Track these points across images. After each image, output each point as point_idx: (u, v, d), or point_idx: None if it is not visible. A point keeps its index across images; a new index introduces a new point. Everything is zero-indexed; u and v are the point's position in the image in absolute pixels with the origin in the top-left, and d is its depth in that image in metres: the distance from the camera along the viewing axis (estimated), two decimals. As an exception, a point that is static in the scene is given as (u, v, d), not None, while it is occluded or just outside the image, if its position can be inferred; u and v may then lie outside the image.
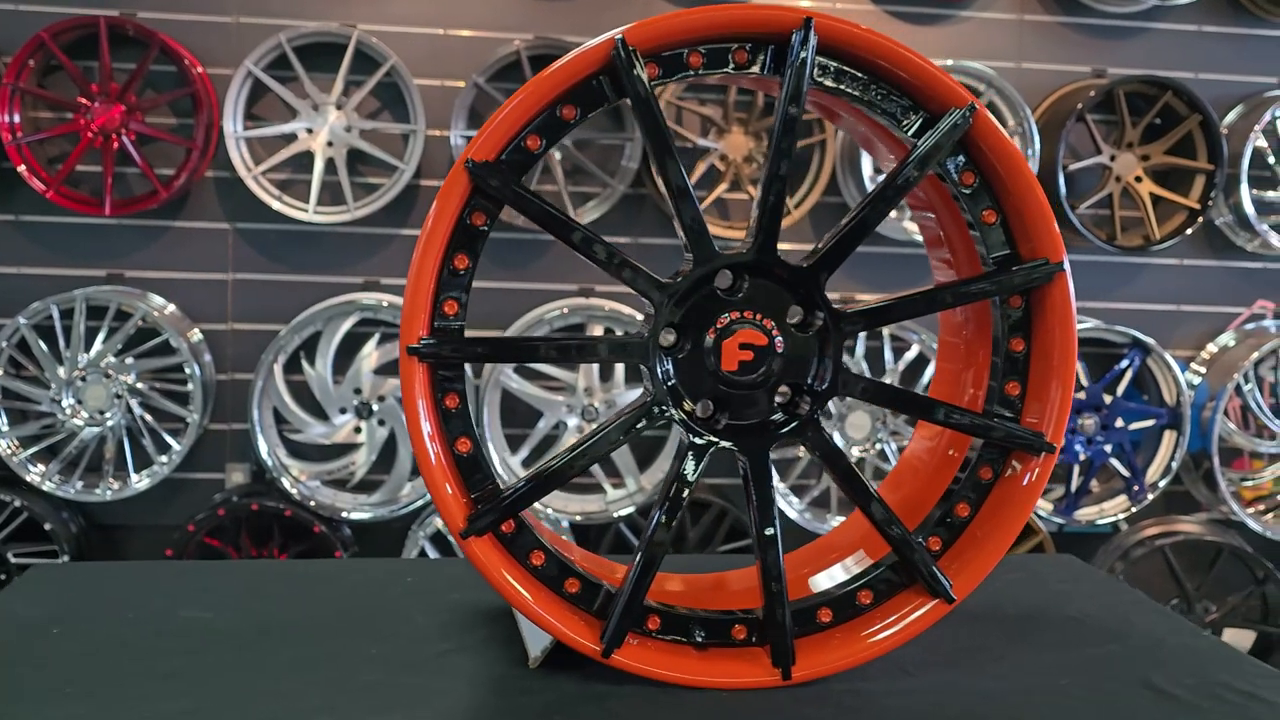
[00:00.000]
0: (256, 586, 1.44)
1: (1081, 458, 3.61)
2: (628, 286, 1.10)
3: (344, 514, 3.42)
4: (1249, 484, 3.74)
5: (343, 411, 3.45)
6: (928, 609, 1.14)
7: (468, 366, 1.17)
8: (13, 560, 3.29)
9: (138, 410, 3.36)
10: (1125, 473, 3.63)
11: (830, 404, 3.62)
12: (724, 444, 1.11)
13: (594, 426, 1.13)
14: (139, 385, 3.37)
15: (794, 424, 1.12)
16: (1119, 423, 3.60)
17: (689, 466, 1.11)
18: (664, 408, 1.10)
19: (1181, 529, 3.58)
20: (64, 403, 3.32)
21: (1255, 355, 3.57)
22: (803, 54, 1.07)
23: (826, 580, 1.18)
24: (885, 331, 3.53)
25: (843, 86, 1.11)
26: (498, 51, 3.39)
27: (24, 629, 1.24)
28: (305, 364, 3.45)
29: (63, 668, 1.13)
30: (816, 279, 1.11)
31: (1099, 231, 3.54)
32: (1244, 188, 3.57)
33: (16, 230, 3.43)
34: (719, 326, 1.10)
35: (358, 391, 3.44)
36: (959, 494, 1.16)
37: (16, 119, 3.27)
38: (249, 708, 1.05)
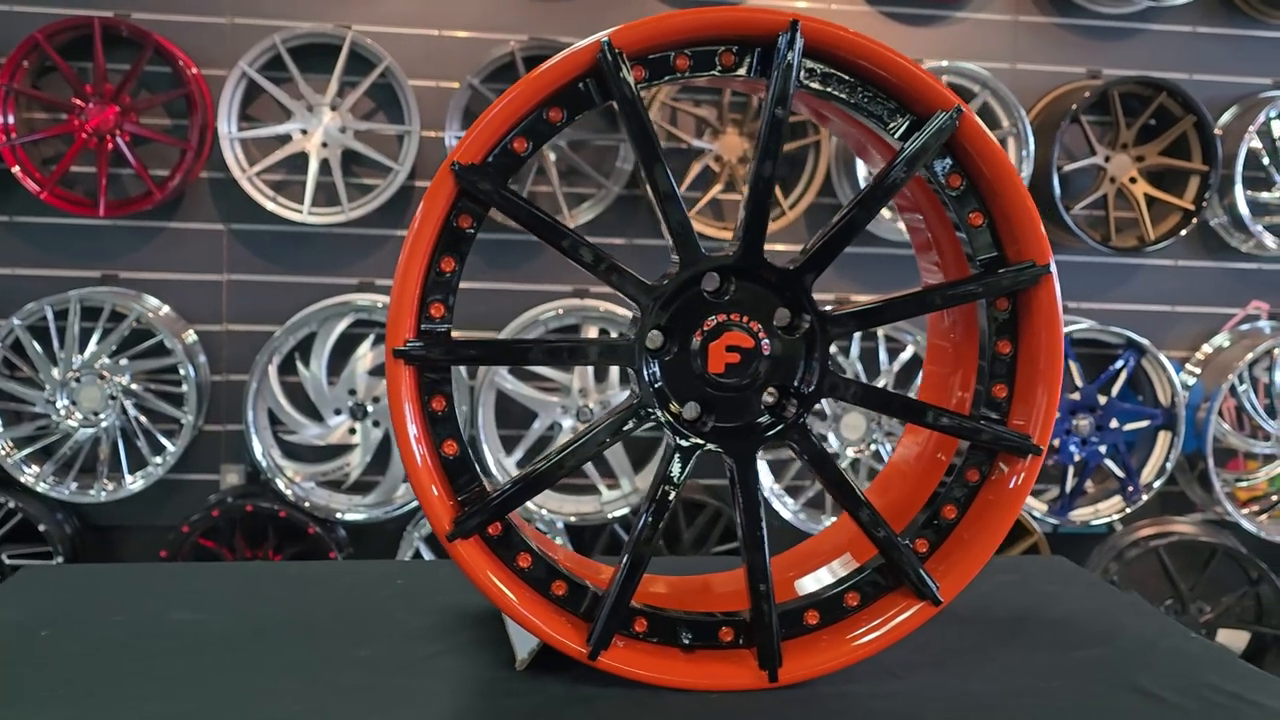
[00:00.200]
0: (247, 588, 1.44)
1: (1076, 459, 3.61)
2: (614, 289, 1.10)
3: (339, 515, 3.42)
4: (1243, 485, 3.74)
5: (337, 413, 3.45)
6: (915, 611, 1.14)
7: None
8: (7, 562, 3.29)
9: (132, 411, 3.36)
10: (1120, 473, 3.63)
11: (825, 405, 3.64)
12: (710, 446, 1.11)
13: (583, 428, 1.13)
14: (134, 386, 3.37)
15: (781, 426, 1.12)
16: (1114, 423, 3.60)
17: (675, 468, 1.11)
18: (650, 410, 1.11)
19: (1176, 530, 3.59)
20: (58, 404, 3.32)
21: (1250, 356, 3.57)
22: (789, 56, 1.07)
23: (813, 583, 1.18)
24: (880, 333, 3.53)
25: (829, 89, 1.11)
26: (492, 53, 3.39)
27: (11, 631, 1.23)
28: (300, 365, 3.44)
29: (50, 670, 1.13)
30: (803, 281, 1.11)
31: (1094, 232, 3.55)
32: (1238, 189, 3.57)
33: (11, 231, 3.43)
34: (706, 329, 1.10)
35: (352, 393, 3.44)
36: (946, 496, 1.17)
37: (11, 120, 3.27)
38: (234, 710, 1.05)
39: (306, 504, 3.40)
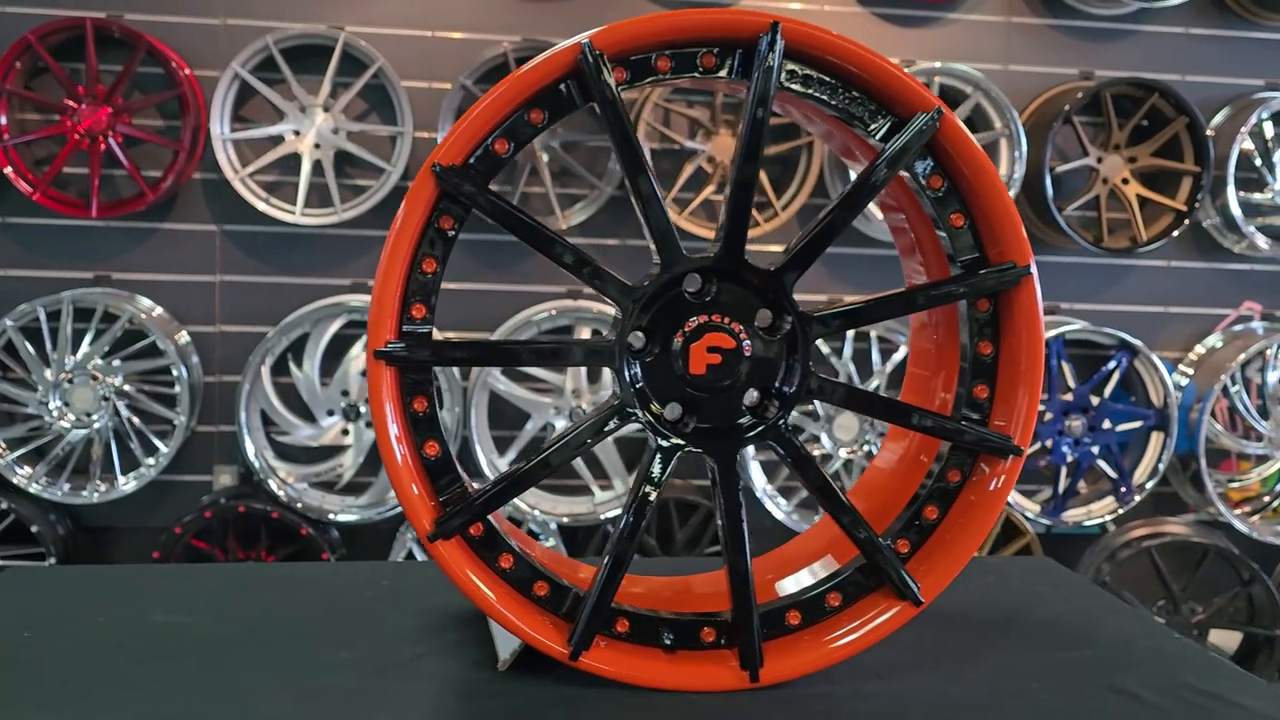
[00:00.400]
0: (233, 590, 1.44)
1: (1069, 459, 3.61)
2: (596, 291, 1.10)
3: (331, 516, 3.42)
4: (1236, 485, 3.75)
5: (330, 413, 3.45)
6: (896, 612, 1.14)
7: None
8: (-1, 563, 3.29)
9: (125, 412, 3.36)
10: (1113, 474, 3.63)
11: (819, 405, 3.64)
12: (692, 447, 1.12)
13: (566, 428, 1.13)
14: (126, 387, 3.36)
15: (762, 427, 1.12)
16: (1106, 424, 3.61)
17: (656, 468, 1.11)
18: (631, 410, 1.11)
19: (1168, 530, 3.59)
20: (51, 405, 3.32)
21: (1242, 357, 3.57)
22: (770, 58, 1.07)
23: (793, 585, 1.18)
24: (873, 334, 3.53)
25: (811, 90, 1.12)
26: (485, 54, 3.40)
27: (-5, 633, 1.23)
28: (293, 366, 3.44)
29: (30, 672, 1.13)
30: (784, 281, 1.11)
31: (1086, 233, 3.55)
32: (1231, 189, 3.58)
33: (3, 232, 3.42)
34: (687, 330, 1.11)
35: (345, 393, 3.44)
36: (928, 497, 1.17)
37: (3, 121, 3.27)
38: (213, 713, 1.05)
39: (299, 505, 3.40)
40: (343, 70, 3.37)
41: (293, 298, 3.48)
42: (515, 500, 3.43)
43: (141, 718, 1.03)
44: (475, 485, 1.11)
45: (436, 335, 1.09)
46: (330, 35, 3.34)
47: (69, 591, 1.40)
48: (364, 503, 3.47)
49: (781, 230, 3.49)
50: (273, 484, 3.40)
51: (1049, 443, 3.61)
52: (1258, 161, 3.70)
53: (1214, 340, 3.76)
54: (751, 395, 1.13)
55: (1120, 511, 3.63)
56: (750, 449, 3.35)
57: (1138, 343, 3.58)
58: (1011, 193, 3.49)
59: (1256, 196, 3.72)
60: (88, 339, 3.33)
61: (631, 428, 1.13)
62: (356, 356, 3.44)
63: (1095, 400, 3.61)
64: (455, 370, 3.38)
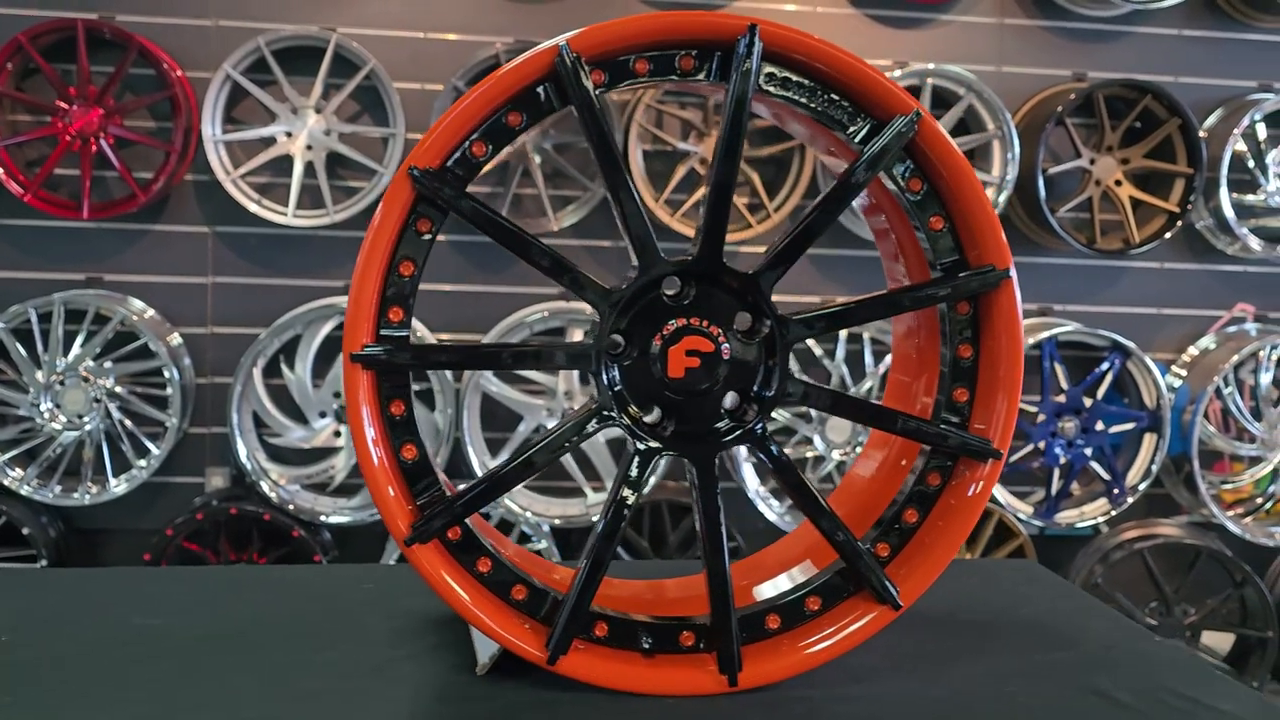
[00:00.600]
0: (215, 592, 1.44)
1: (1062, 461, 3.61)
2: (575, 294, 1.10)
3: (323, 518, 3.42)
4: (1229, 487, 3.75)
5: (322, 415, 3.45)
6: (875, 615, 1.14)
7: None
8: (-10, 565, 3.28)
9: (116, 414, 3.36)
10: (1105, 476, 3.63)
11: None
12: (670, 451, 1.11)
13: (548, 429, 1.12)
14: (118, 389, 3.36)
15: (740, 431, 1.12)
16: (1099, 426, 3.61)
17: (635, 471, 1.11)
18: (609, 413, 1.10)
19: (1161, 532, 3.59)
20: (42, 407, 3.32)
21: (1235, 358, 3.58)
22: (748, 60, 1.07)
23: (771, 589, 1.18)
24: (865, 335, 3.53)
25: (789, 93, 1.11)
26: (477, 55, 3.39)
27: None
28: (285, 368, 3.44)
29: (4, 676, 1.12)
30: (762, 284, 1.11)
31: (1079, 235, 3.55)
32: (1223, 191, 3.58)
33: (-5, 234, 3.43)
34: (665, 333, 1.10)
35: (337, 395, 3.44)
36: (907, 501, 1.16)
37: (-6, 122, 3.28)
38: (190, 716, 1.05)
39: (291, 507, 3.39)
40: (335, 72, 3.37)
41: (285, 299, 3.48)
42: (507, 502, 3.43)
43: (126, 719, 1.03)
44: (456, 487, 1.11)
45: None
46: (322, 37, 3.33)
47: (49, 595, 1.40)
48: (356, 505, 3.46)
49: (774, 232, 3.49)
50: (265, 486, 3.40)
51: (1042, 444, 3.61)
52: (1250, 163, 3.71)
53: (1207, 342, 3.76)
54: (730, 399, 1.13)
55: (1113, 513, 3.63)
56: (743, 450, 3.34)
57: (1131, 344, 3.58)
58: (1004, 194, 3.50)
59: (1249, 198, 3.72)
60: (79, 341, 3.33)
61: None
62: (348, 358, 3.43)
63: (1088, 402, 3.61)
64: (448, 372, 3.37)
